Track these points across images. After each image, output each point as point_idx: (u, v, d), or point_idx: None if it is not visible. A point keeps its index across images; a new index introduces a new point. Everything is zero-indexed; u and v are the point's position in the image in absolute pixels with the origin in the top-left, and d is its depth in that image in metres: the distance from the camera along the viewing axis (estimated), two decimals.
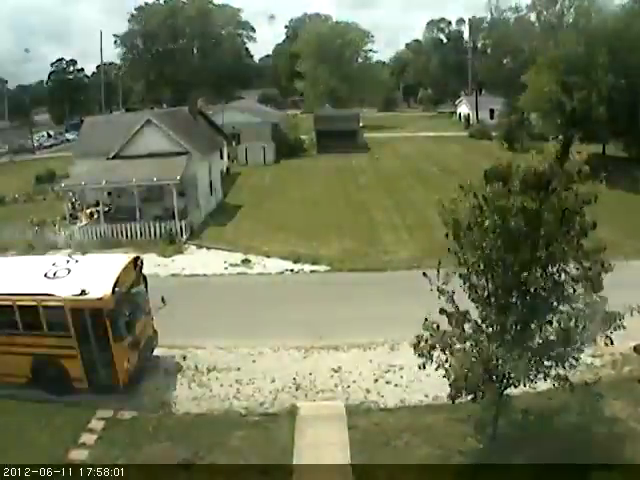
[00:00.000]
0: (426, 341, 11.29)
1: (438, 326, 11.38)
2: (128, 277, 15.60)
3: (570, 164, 10.89)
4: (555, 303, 11.05)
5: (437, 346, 11.25)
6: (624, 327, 10.69)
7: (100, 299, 14.23)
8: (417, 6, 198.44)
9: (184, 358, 17.03)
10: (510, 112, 57.43)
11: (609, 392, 14.20)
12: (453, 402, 11.57)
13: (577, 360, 11.10)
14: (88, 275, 15.29)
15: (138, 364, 15.22)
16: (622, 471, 11.31)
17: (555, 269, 10.92)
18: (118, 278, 14.87)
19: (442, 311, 11.42)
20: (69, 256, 17.25)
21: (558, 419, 13.20)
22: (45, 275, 15.43)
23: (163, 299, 15.86)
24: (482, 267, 11.09)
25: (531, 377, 11.18)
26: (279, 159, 53.65)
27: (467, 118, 77.64)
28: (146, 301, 16.55)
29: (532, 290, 11.05)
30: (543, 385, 11.74)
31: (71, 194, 33.96)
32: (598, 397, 14.01)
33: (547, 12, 62.34)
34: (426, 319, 11.38)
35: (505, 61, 79.08)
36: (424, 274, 11.39)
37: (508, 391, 11.71)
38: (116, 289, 14.52)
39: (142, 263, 16.65)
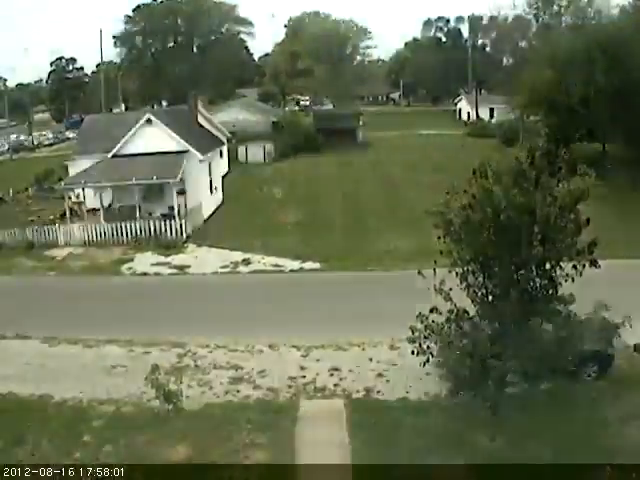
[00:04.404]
0: (419, 333, 11.30)
1: (433, 320, 11.41)
2: None
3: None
4: (551, 303, 11.08)
5: (431, 337, 11.27)
6: (619, 336, 10.76)
7: None
8: (418, 4, 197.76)
9: (184, 356, 17.05)
10: (510, 110, 57.29)
11: (609, 391, 14.21)
12: (452, 396, 11.62)
13: (575, 361, 11.13)
14: None
15: None
16: (622, 470, 11.31)
17: (550, 266, 10.94)
18: None
19: (433, 310, 11.42)
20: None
21: (558, 418, 13.19)
22: None
23: None
24: (478, 265, 11.11)
25: (531, 376, 11.19)
26: (279, 157, 53.56)
27: (467, 116, 77.62)
28: None
29: (529, 288, 11.08)
30: (543, 384, 11.75)
31: (71, 192, 33.94)
32: (598, 396, 14.04)
33: (544, 12, 62.33)
34: (420, 313, 11.39)
35: (504, 59, 79.08)
36: (419, 272, 11.42)
37: (508, 390, 11.73)
38: None
39: None
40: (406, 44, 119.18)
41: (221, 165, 42.55)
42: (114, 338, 18.17)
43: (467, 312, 11.47)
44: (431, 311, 11.40)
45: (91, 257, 27.73)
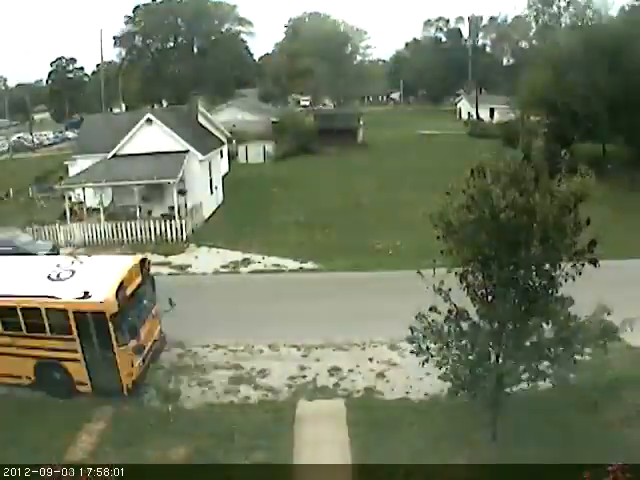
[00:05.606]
0: (419, 333, 11.32)
1: (433, 320, 11.42)
2: (133, 279, 15.32)
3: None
4: (551, 303, 11.06)
5: (430, 337, 11.28)
6: (619, 339, 10.76)
7: (102, 302, 14.00)
8: (417, 4, 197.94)
9: (184, 356, 17.04)
10: (510, 111, 57.32)
11: (609, 391, 14.21)
12: (452, 396, 11.65)
13: (575, 362, 11.11)
14: (92, 277, 15.06)
15: (144, 368, 15.01)
16: (622, 470, 11.29)
17: (549, 266, 10.93)
18: (122, 281, 14.59)
19: (432, 309, 11.43)
20: (74, 257, 17.08)
21: (558, 418, 13.19)
22: (48, 277, 15.25)
23: (171, 301, 15.60)
24: (477, 265, 11.10)
25: (531, 376, 11.19)
26: (279, 157, 53.57)
27: (467, 116, 77.65)
28: (153, 304, 16.37)
29: (528, 288, 11.06)
30: (543, 384, 11.75)
31: (71, 192, 33.93)
32: (598, 396, 14.03)
33: (543, 13, 62.41)
34: (419, 312, 11.41)
35: (504, 59, 79.19)
36: (418, 272, 11.43)
37: (508, 390, 11.72)
38: (119, 292, 14.27)
39: (149, 265, 16.44)
40: (406, 44, 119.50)
41: (221, 165, 42.56)
42: None
43: (466, 312, 11.46)
44: (430, 310, 11.41)
45: None
